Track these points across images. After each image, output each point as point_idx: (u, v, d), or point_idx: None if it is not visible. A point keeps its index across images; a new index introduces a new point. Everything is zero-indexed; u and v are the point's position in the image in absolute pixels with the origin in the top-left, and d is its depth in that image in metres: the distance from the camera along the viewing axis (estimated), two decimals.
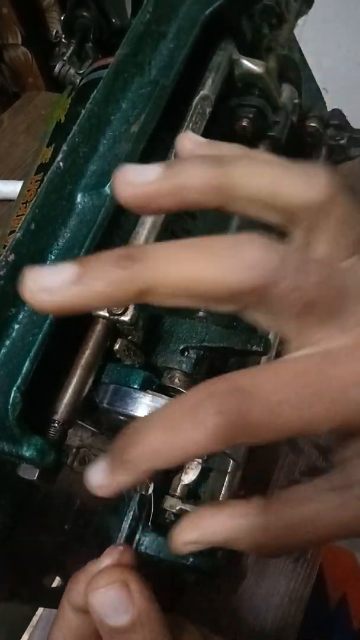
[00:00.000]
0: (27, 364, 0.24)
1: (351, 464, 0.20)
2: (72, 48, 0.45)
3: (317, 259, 0.19)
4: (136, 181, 0.19)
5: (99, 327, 0.28)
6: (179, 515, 0.36)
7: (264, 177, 0.19)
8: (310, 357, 0.18)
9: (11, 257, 0.26)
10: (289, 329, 0.19)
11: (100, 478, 0.19)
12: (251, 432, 0.17)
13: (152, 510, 0.35)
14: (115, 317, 0.27)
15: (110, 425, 0.33)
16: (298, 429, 0.17)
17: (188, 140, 0.22)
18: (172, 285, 0.17)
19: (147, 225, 0.31)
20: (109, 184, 0.28)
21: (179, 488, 0.36)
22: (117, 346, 0.28)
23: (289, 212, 0.19)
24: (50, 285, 0.17)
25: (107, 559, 0.24)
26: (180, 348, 0.30)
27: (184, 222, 0.39)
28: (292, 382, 0.17)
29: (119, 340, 0.28)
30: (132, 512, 0.34)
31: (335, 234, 0.19)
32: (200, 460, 0.35)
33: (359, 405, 0.17)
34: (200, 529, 0.22)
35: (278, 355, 0.38)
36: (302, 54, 0.49)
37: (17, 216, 0.43)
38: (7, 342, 0.25)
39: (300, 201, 0.19)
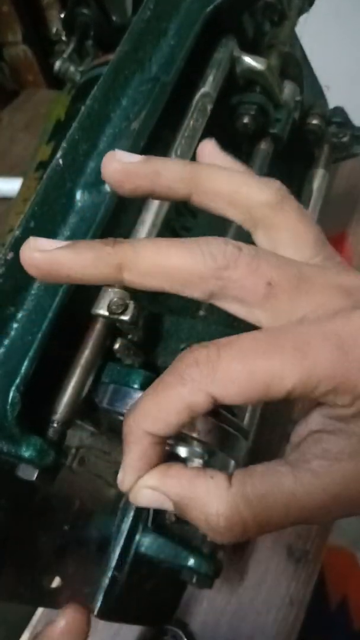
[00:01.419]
0: (26, 363, 0.24)
1: (305, 441, 0.21)
2: (72, 45, 0.45)
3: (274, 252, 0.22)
4: (122, 159, 0.22)
5: (98, 327, 0.27)
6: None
7: (227, 177, 0.23)
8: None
9: (10, 255, 0.26)
10: (261, 316, 0.21)
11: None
12: (219, 390, 0.19)
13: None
14: (115, 316, 0.27)
15: (110, 426, 0.33)
16: (262, 385, 0.18)
17: (208, 146, 0.27)
18: (145, 264, 0.20)
19: (147, 223, 0.30)
20: None
21: None
22: (116, 346, 0.28)
23: (247, 209, 0.22)
24: (44, 246, 0.21)
25: (62, 619, 0.25)
26: (181, 347, 0.30)
27: (184, 220, 0.39)
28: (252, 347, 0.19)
29: (119, 340, 0.28)
30: (131, 513, 0.34)
31: (292, 232, 0.22)
32: (201, 461, 0.35)
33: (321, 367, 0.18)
34: (163, 479, 0.21)
35: None
36: (303, 51, 0.49)
37: (17, 214, 0.43)
38: (6, 342, 0.25)
39: (256, 198, 0.22)
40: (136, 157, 0.22)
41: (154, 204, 0.31)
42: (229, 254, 0.20)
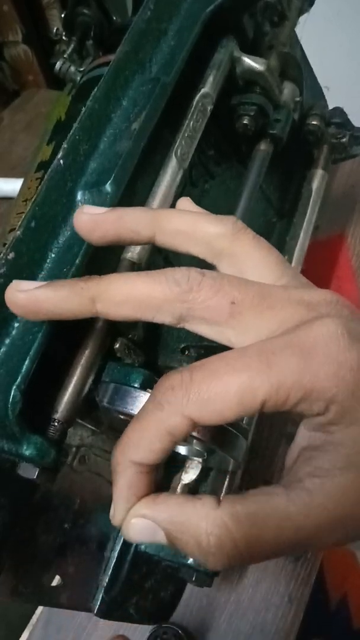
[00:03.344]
0: (27, 362, 0.24)
1: (297, 461, 0.21)
2: (72, 45, 0.45)
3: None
4: (90, 211, 0.25)
5: (99, 326, 0.27)
6: None
7: (185, 217, 0.25)
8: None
9: (11, 255, 0.26)
10: (230, 334, 0.22)
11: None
12: (196, 411, 0.19)
13: None
14: None
15: (111, 425, 0.33)
16: (235, 401, 0.19)
17: (185, 202, 0.28)
18: (115, 295, 0.22)
19: None
20: (109, 182, 0.28)
21: (179, 487, 0.36)
22: (117, 345, 0.28)
23: (206, 243, 0.24)
24: (25, 287, 0.23)
25: None
26: (181, 347, 0.30)
27: None
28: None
29: (119, 339, 0.28)
30: None
31: (253, 258, 0.24)
32: (200, 460, 0.35)
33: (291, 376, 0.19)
34: (152, 506, 0.21)
35: None
36: (303, 52, 0.49)
37: (17, 214, 0.43)
38: (7, 341, 0.25)
39: (213, 232, 0.24)
40: (102, 209, 0.25)
41: (154, 205, 0.31)
42: (192, 279, 0.21)
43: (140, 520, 0.21)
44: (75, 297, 0.22)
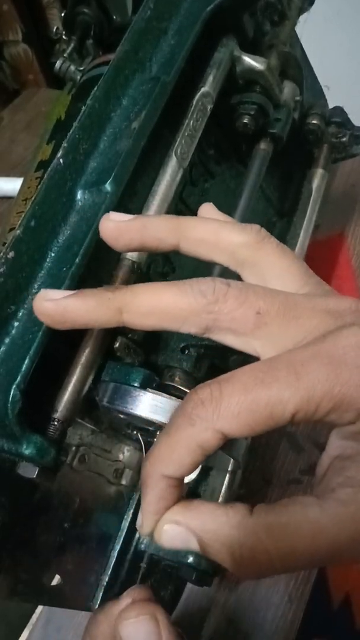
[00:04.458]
0: (26, 361, 0.24)
1: (329, 471, 0.21)
2: (72, 45, 0.45)
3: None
4: (115, 218, 0.25)
5: None
6: None
7: (209, 225, 0.25)
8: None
9: (11, 254, 0.26)
10: (256, 345, 0.22)
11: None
12: (227, 425, 0.19)
13: None
14: None
15: (111, 424, 0.33)
16: (265, 415, 0.19)
17: (207, 207, 0.29)
18: (142, 306, 0.22)
19: None
20: (109, 181, 0.28)
21: None
22: (117, 344, 0.28)
23: (230, 252, 0.24)
24: (53, 296, 0.23)
25: (128, 597, 0.25)
26: (181, 346, 0.30)
27: None
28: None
29: (119, 339, 0.28)
30: (131, 511, 0.34)
31: (277, 267, 0.24)
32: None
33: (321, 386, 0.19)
34: (185, 512, 0.21)
35: None
36: (303, 51, 0.49)
37: (17, 213, 0.43)
38: (7, 340, 0.25)
39: (237, 240, 0.24)
40: (127, 217, 0.25)
41: (154, 204, 0.31)
42: (217, 290, 0.21)
43: (173, 526, 0.21)
44: (102, 307, 0.22)
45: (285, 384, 0.19)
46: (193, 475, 0.36)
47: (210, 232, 0.24)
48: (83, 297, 0.23)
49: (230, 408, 0.19)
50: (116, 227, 0.25)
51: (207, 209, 0.28)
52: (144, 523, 0.21)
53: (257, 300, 0.21)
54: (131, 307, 0.22)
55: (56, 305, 0.22)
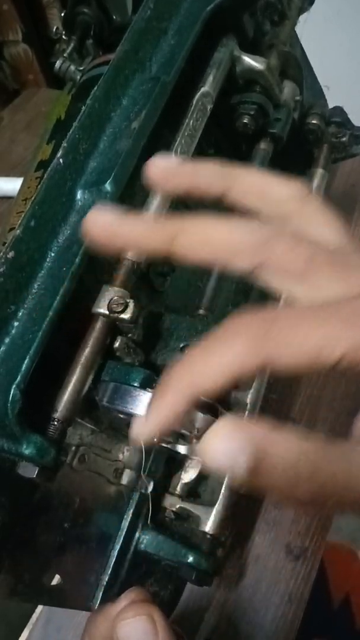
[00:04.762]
0: (26, 361, 0.24)
1: None
2: (72, 45, 0.45)
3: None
4: (163, 162, 0.25)
5: (98, 325, 0.27)
6: (179, 513, 0.36)
7: (257, 176, 0.25)
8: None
9: (11, 254, 0.26)
10: (301, 291, 0.21)
11: (144, 411, 0.22)
12: (273, 351, 0.18)
13: (152, 509, 0.35)
14: (115, 314, 0.27)
15: (111, 424, 0.33)
16: (314, 351, 0.18)
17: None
18: (195, 236, 0.22)
19: None
20: (109, 181, 0.28)
21: (178, 486, 0.36)
22: (117, 344, 0.28)
23: (276, 204, 0.24)
24: (106, 218, 0.23)
25: (126, 598, 0.25)
26: (180, 346, 0.30)
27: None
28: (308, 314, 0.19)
29: (119, 338, 0.28)
30: (131, 511, 0.34)
31: (321, 221, 0.24)
32: (200, 459, 0.35)
33: None
34: (241, 425, 0.18)
35: None
36: (303, 51, 0.49)
37: (17, 213, 0.43)
38: (7, 340, 0.25)
39: (284, 192, 0.24)
40: (177, 160, 0.25)
41: (154, 204, 0.31)
42: (272, 231, 0.22)
43: (224, 440, 0.18)
44: (154, 232, 0.22)
45: (338, 328, 0.18)
46: (193, 475, 0.36)
47: (259, 183, 0.25)
48: (135, 220, 0.23)
49: (281, 334, 0.18)
50: (167, 169, 0.24)
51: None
52: (145, 426, 0.19)
53: (308, 248, 0.21)
54: (184, 236, 0.22)
55: (109, 226, 0.22)
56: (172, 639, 0.23)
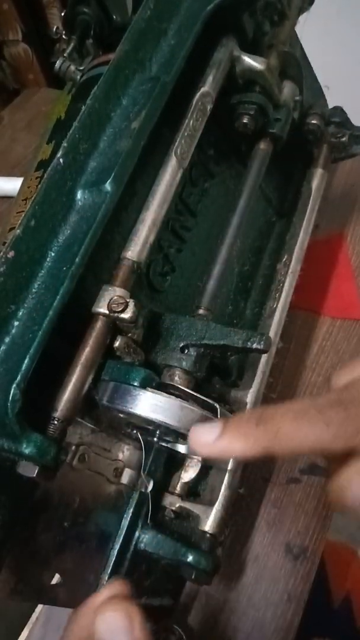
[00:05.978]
0: (26, 361, 0.24)
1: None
2: (72, 44, 0.45)
3: None
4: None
5: (99, 325, 0.27)
6: (179, 513, 0.36)
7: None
8: None
9: (11, 254, 0.26)
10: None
11: (210, 437, 0.24)
12: None
13: (152, 508, 0.35)
14: (115, 314, 0.27)
15: (111, 423, 0.33)
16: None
17: None
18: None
19: (147, 222, 0.31)
20: (109, 181, 0.28)
21: (178, 486, 0.36)
22: (117, 344, 0.28)
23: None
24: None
25: (107, 590, 0.26)
26: (180, 346, 0.30)
27: (184, 220, 0.39)
28: None
29: (119, 338, 0.28)
30: (131, 510, 0.34)
31: None
32: (199, 458, 0.35)
33: None
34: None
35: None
36: (303, 51, 0.49)
37: (17, 213, 0.43)
38: (7, 339, 0.25)
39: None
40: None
41: (154, 204, 0.31)
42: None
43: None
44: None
45: None
46: (193, 474, 0.36)
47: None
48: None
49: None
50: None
51: None
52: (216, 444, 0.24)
53: None
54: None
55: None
56: (147, 636, 0.23)
